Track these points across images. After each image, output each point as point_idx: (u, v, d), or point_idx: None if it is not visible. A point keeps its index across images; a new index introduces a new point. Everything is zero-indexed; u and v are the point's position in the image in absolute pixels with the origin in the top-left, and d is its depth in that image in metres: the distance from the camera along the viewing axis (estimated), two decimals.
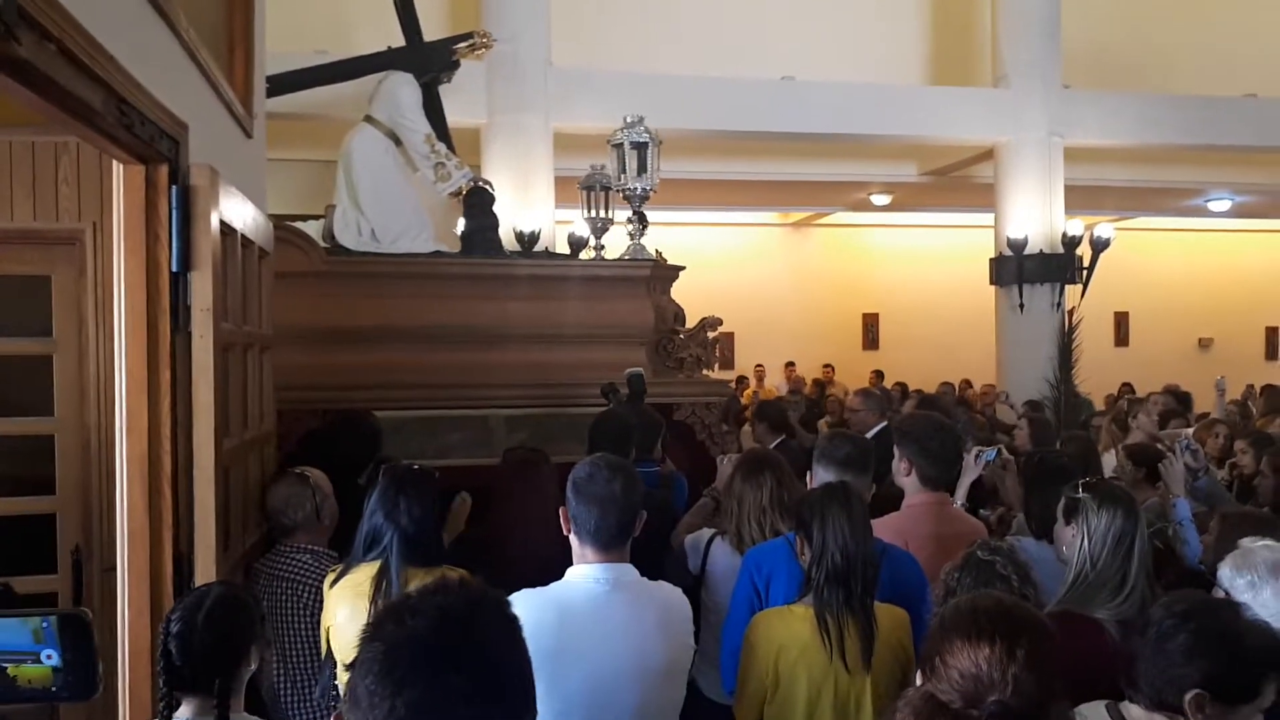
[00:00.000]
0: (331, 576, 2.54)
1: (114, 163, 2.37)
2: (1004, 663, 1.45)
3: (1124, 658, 2.00)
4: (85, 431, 3.38)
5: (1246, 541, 2.33)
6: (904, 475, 3.10)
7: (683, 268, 5.29)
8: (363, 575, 2.45)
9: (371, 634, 1.11)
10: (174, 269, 2.42)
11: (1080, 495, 2.52)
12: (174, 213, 2.41)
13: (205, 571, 2.43)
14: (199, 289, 2.46)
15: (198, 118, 2.58)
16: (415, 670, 1.06)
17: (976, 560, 2.37)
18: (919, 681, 1.57)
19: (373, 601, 2.37)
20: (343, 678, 2.43)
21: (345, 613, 2.43)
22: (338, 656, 2.44)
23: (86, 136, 2.11)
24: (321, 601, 2.58)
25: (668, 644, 2.18)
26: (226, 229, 2.70)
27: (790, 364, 14.14)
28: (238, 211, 2.85)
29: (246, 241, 3.02)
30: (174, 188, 2.41)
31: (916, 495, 3.08)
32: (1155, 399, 7.98)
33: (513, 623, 1.16)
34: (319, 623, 2.58)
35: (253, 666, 1.96)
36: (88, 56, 1.77)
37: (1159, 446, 4.49)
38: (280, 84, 5.18)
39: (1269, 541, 2.34)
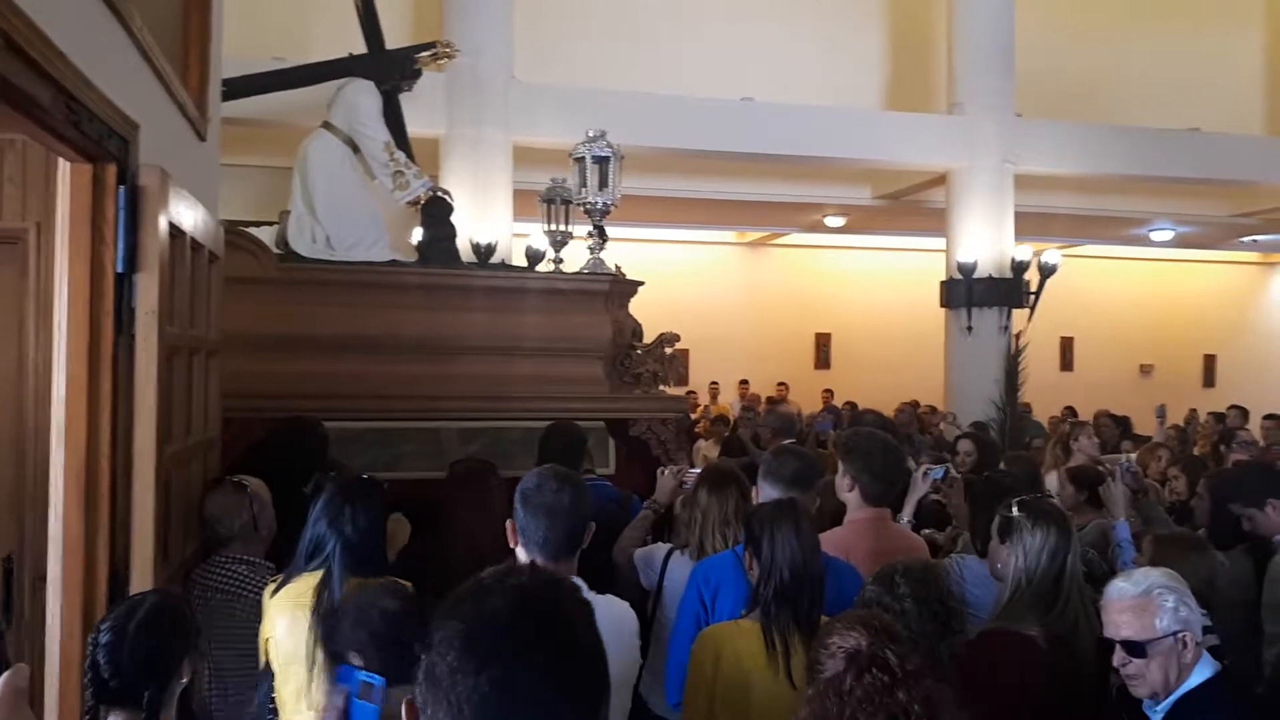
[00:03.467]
0: (272, 586, 2.49)
1: (60, 161, 2.32)
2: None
3: (1057, 673, 2.05)
4: (21, 436, 3.29)
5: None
6: (847, 491, 3.13)
7: (641, 283, 5.29)
8: (304, 585, 2.40)
9: (450, 612, 1.09)
10: (119, 270, 2.37)
11: (1015, 514, 2.57)
12: (121, 213, 2.36)
13: (142, 581, 2.37)
14: (145, 291, 2.42)
15: (149, 118, 2.54)
16: (500, 647, 1.04)
17: (874, 599, 2.37)
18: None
19: (314, 612, 2.33)
20: (281, 690, 2.39)
21: (285, 624, 2.39)
22: (275, 668, 2.39)
23: (33, 134, 2.07)
24: (258, 614, 2.53)
25: (614, 658, 2.15)
26: (175, 231, 2.66)
27: (744, 382, 14.22)
28: (188, 214, 2.80)
29: (196, 245, 2.98)
30: (122, 188, 2.36)
31: (859, 511, 3.12)
32: (1104, 421, 8.18)
33: (589, 606, 1.15)
34: (254, 635, 2.53)
35: (184, 680, 1.89)
36: (36, 51, 1.74)
37: (1100, 469, 4.58)
38: (238, 88, 5.11)
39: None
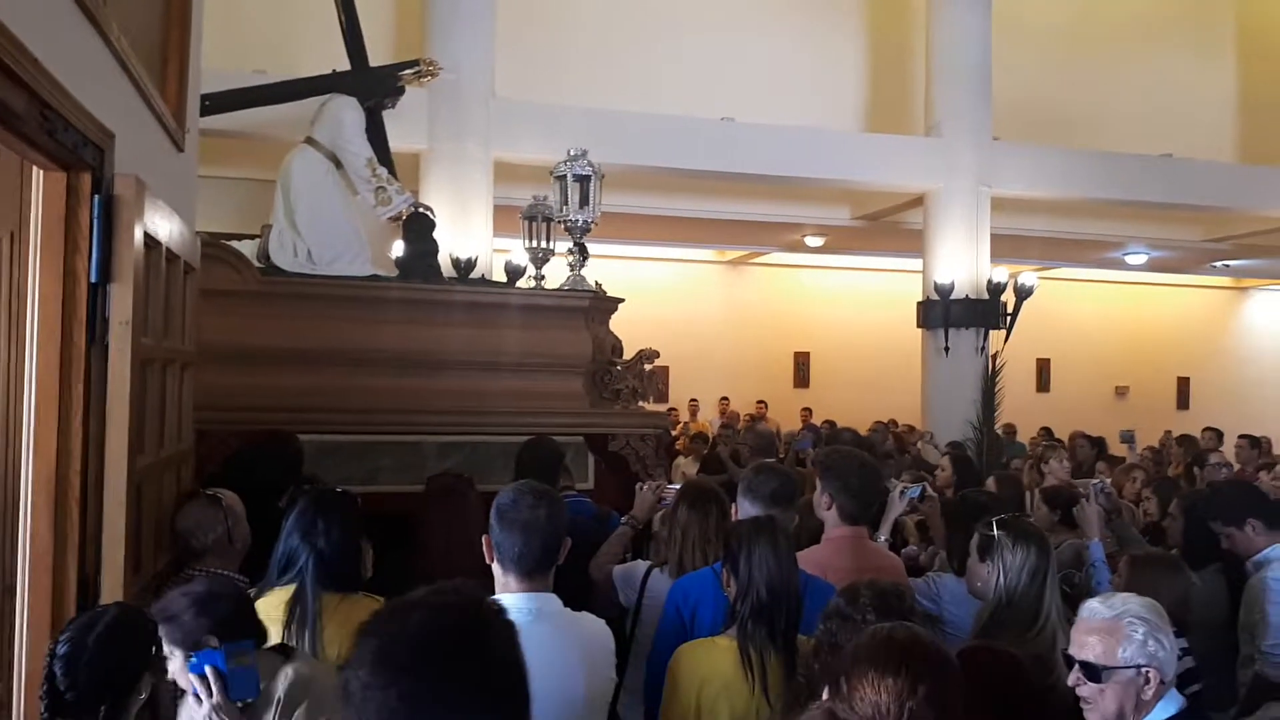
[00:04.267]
0: None
1: (35, 169, 2.30)
2: (903, 696, 1.49)
3: (1035, 690, 2.04)
4: None
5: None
6: (825, 509, 3.14)
7: (622, 300, 5.30)
8: (276, 599, 2.38)
9: (367, 630, 1.09)
10: (93, 280, 2.35)
11: (995, 532, 2.58)
12: (95, 222, 2.34)
13: (112, 594, 2.33)
14: (118, 301, 2.39)
15: (126, 127, 2.52)
16: (410, 664, 1.04)
17: (836, 610, 2.33)
18: (824, 696, 1.60)
19: (286, 626, 2.30)
20: None
21: None
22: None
23: (6, 141, 2.05)
24: None
25: (590, 676, 2.16)
26: (151, 241, 2.64)
27: (724, 399, 14.25)
28: (163, 224, 2.78)
29: (172, 256, 2.95)
30: (96, 197, 2.34)
31: (836, 529, 3.12)
32: (1080, 442, 8.24)
33: (511, 627, 1.14)
34: None
35: (143, 695, 1.84)
36: (10, 58, 1.72)
37: (1075, 490, 4.62)
38: (222, 102, 5.11)
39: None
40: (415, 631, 1.07)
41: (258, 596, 2.42)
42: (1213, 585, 3.65)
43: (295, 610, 2.33)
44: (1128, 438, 8.12)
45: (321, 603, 2.33)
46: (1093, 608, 2.14)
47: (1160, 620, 2.10)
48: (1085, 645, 2.09)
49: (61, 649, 1.77)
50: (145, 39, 2.96)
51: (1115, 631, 2.06)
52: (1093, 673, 2.06)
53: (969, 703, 2.11)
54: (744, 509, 3.00)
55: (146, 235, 2.55)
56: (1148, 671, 2.05)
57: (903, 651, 1.57)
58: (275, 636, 2.31)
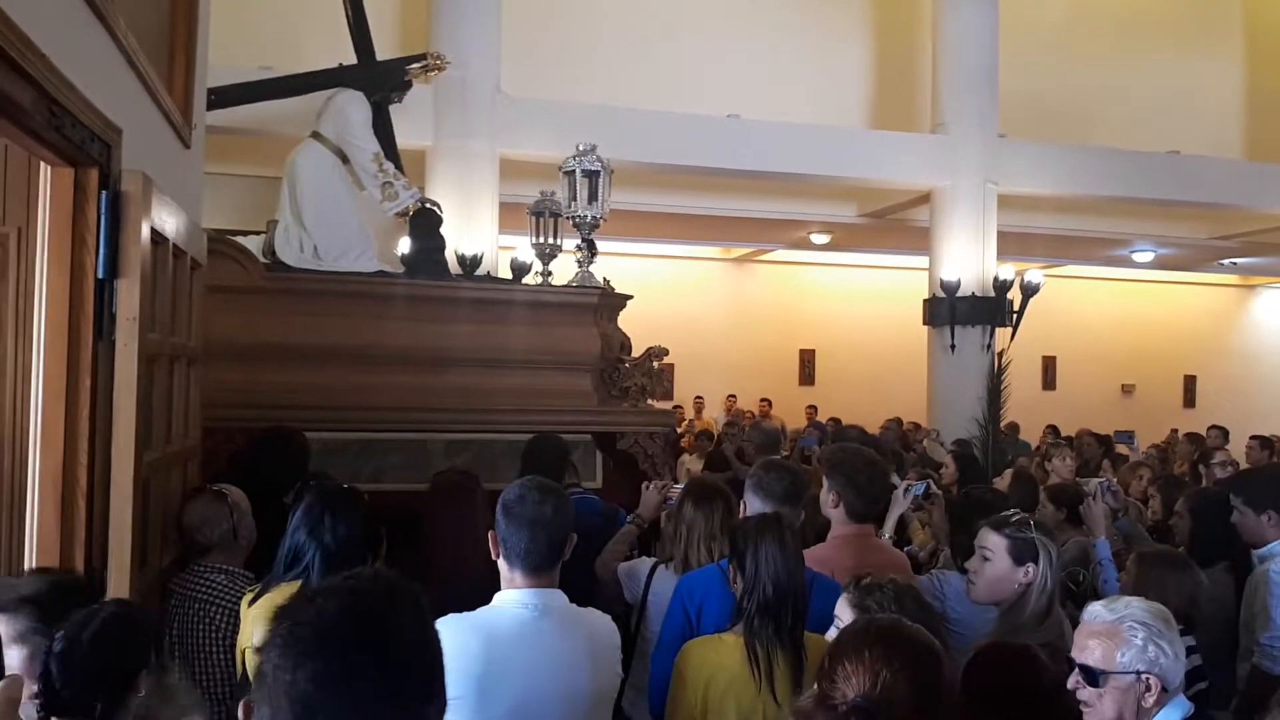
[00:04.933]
0: (250, 596, 2.46)
1: (42, 165, 2.30)
2: (876, 666, 1.51)
3: (1058, 678, 2.04)
4: None
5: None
6: (831, 507, 3.13)
7: (630, 297, 5.29)
8: (282, 595, 2.37)
9: (280, 614, 1.11)
10: (100, 276, 2.35)
11: (1035, 535, 2.57)
12: (103, 218, 2.34)
13: (118, 590, 2.34)
14: (125, 297, 2.40)
15: (133, 123, 2.53)
16: (318, 645, 1.06)
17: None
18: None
19: None
20: None
21: (262, 633, 2.35)
22: (253, 678, 2.36)
23: (13, 137, 2.05)
24: (235, 624, 2.49)
25: (595, 672, 2.16)
26: (158, 237, 2.64)
27: (731, 396, 14.24)
28: (170, 220, 2.78)
29: (178, 252, 2.96)
30: (104, 193, 2.34)
31: (842, 527, 3.11)
32: (1087, 440, 8.22)
33: (423, 610, 1.15)
34: (232, 645, 2.50)
35: (141, 693, 1.82)
36: (18, 53, 1.72)
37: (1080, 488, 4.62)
38: (228, 97, 5.10)
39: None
40: (325, 614, 1.08)
41: (264, 592, 2.43)
42: (1221, 583, 3.63)
43: None
44: (1125, 438, 8.01)
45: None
46: (1095, 611, 2.11)
47: (1165, 626, 2.06)
48: (1085, 648, 2.06)
49: (57, 646, 1.74)
50: (152, 35, 2.96)
51: (1115, 635, 2.03)
52: (1091, 677, 2.03)
53: (995, 697, 2.12)
54: (752, 505, 3.00)
55: (153, 231, 2.56)
56: (1148, 678, 2.00)
57: (881, 631, 1.61)
58: None
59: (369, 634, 1.08)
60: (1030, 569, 2.52)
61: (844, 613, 2.18)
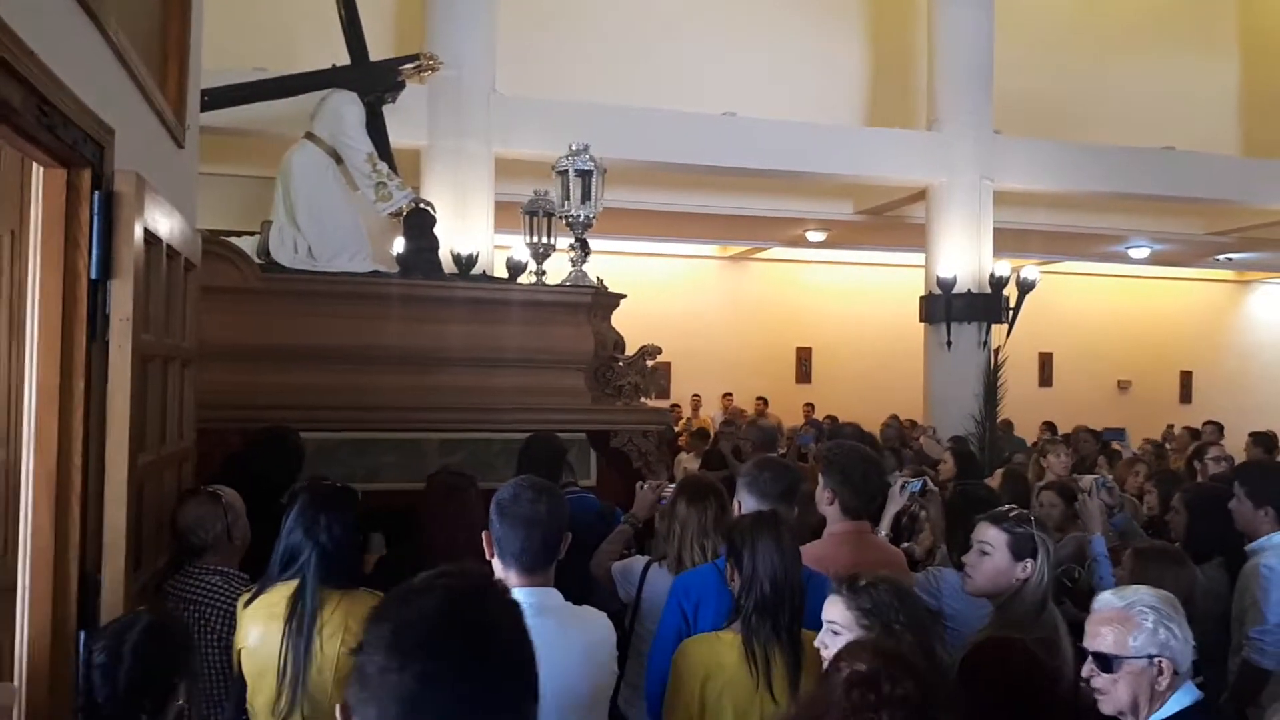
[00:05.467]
0: (246, 596, 2.45)
1: (34, 165, 2.29)
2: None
3: (1051, 671, 2.05)
4: None
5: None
6: (827, 504, 3.13)
7: (624, 295, 5.29)
8: (278, 596, 2.37)
9: (378, 616, 1.12)
10: (93, 277, 2.34)
11: (1033, 530, 2.57)
12: (95, 219, 2.33)
13: (113, 592, 2.33)
14: (119, 298, 2.39)
15: (126, 123, 2.52)
16: (424, 644, 1.06)
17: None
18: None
19: (287, 623, 2.30)
20: (253, 701, 2.36)
21: (258, 634, 2.35)
22: (248, 679, 2.36)
23: (5, 137, 2.04)
24: (231, 624, 2.49)
25: (591, 671, 2.16)
26: (151, 238, 2.63)
27: (728, 394, 14.24)
28: (164, 221, 2.77)
29: (172, 252, 2.95)
30: (96, 193, 2.33)
31: (838, 524, 3.11)
32: (1083, 437, 8.21)
33: (517, 606, 1.17)
34: (228, 646, 2.50)
35: (180, 701, 1.83)
36: (7, 52, 1.72)
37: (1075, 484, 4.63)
38: (222, 97, 5.10)
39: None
40: (429, 613, 1.10)
41: (259, 593, 2.42)
42: (1215, 579, 3.64)
43: (297, 606, 2.33)
44: (1116, 435, 7.94)
45: (323, 596, 2.33)
46: (1105, 599, 2.16)
47: (1173, 610, 2.11)
48: (1098, 636, 2.10)
49: (99, 658, 1.74)
50: (146, 35, 2.95)
51: (1126, 621, 2.07)
52: (1105, 663, 2.06)
53: (990, 691, 2.12)
54: (745, 504, 2.99)
55: (147, 232, 2.55)
56: (1160, 661, 2.05)
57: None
58: (276, 632, 2.30)
59: (472, 632, 1.09)
60: (1029, 564, 2.52)
61: (835, 613, 2.18)
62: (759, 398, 13.91)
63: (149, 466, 2.71)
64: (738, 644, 2.38)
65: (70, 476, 2.29)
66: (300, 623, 2.30)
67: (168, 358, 2.98)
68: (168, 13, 3.28)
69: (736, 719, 2.35)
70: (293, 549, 2.39)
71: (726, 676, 2.36)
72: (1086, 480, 4.10)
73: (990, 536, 2.63)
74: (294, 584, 2.36)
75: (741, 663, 2.35)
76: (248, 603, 2.43)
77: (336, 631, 2.31)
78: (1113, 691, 2.06)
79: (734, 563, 2.49)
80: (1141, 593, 2.14)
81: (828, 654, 2.06)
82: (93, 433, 2.33)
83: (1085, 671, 2.10)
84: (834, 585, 2.20)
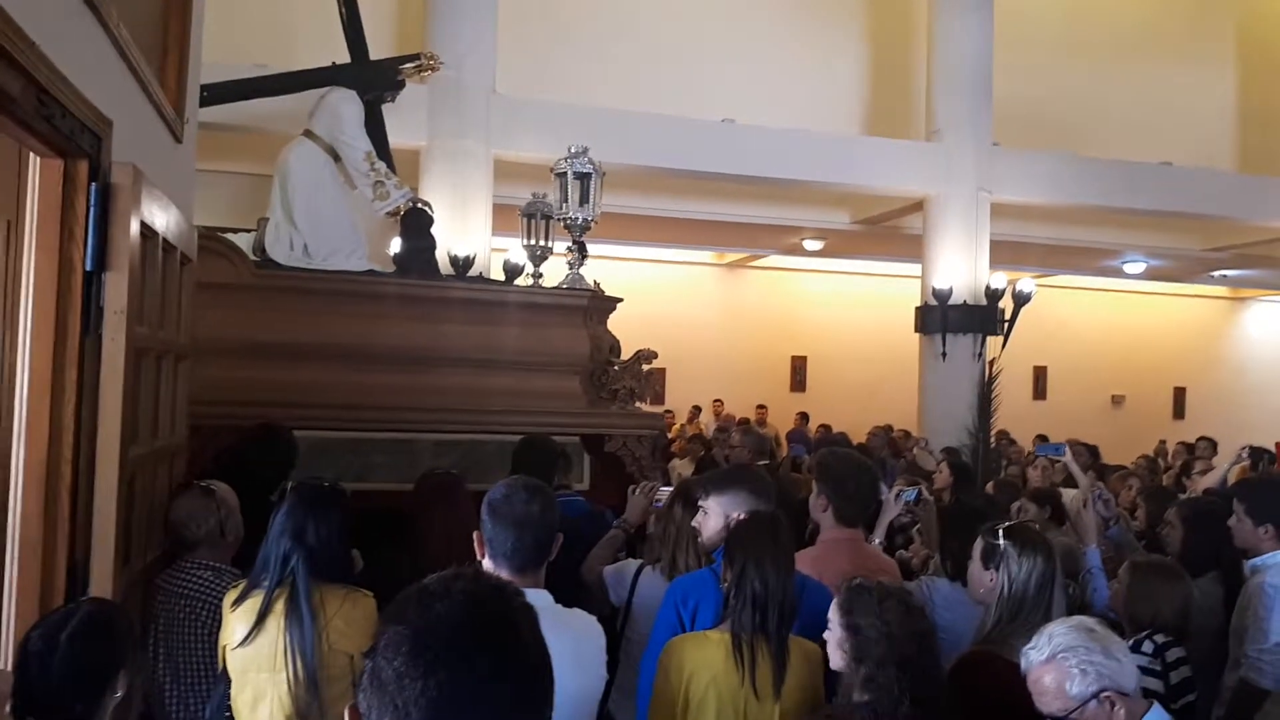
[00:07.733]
0: (233, 595, 2.43)
1: (31, 155, 2.28)
2: None
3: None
4: None
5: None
6: (821, 511, 3.12)
7: (620, 299, 5.29)
8: (264, 595, 2.35)
9: (395, 617, 1.09)
10: (88, 268, 2.33)
11: (1000, 541, 2.55)
12: (92, 210, 2.32)
13: (101, 585, 2.32)
14: (113, 290, 2.38)
15: (124, 116, 2.51)
16: (448, 651, 1.04)
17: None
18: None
19: (257, 624, 2.28)
20: (237, 698, 2.34)
21: (243, 632, 2.34)
22: (232, 675, 2.34)
23: (2, 126, 2.03)
24: (219, 620, 2.47)
25: (580, 673, 2.14)
26: (147, 231, 2.62)
27: (718, 401, 14.21)
28: (160, 215, 2.76)
29: (168, 246, 2.93)
30: (93, 185, 2.33)
31: (832, 531, 3.11)
32: (1077, 450, 8.20)
33: (532, 611, 1.15)
34: (216, 642, 2.48)
35: (119, 694, 1.77)
36: (7, 41, 1.71)
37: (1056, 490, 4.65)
38: (220, 93, 5.08)
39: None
40: (452, 620, 1.08)
41: (246, 593, 2.40)
42: (1210, 593, 3.63)
43: (290, 605, 2.31)
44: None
45: (323, 595, 2.32)
46: (1027, 659, 2.08)
47: (1088, 637, 2.03)
48: (1042, 698, 2.03)
49: (34, 646, 1.70)
50: (146, 29, 2.94)
51: (1056, 671, 2.01)
52: None
53: (971, 706, 2.11)
54: (712, 509, 2.90)
55: (143, 225, 2.54)
56: (1107, 696, 1.98)
57: None
58: (275, 631, 2.29)
59: (495, 638, 1.07)
60: (994, 574, 2.52)
61: (838, 617, 2.18)
62: (760, 405, 13.89)
63: (140, 460, 2.69)
64: (725, 642, 2.37)
65: (60, 467, 2.28)
66: (294, 621, 2.28)
67: (161, 352, 2.97)
68: (168, 7, 3.27)
69: (719, 716, 2.34)
70: (280, 548, 2.37)
71: (712, 674, 2.36)
72: (1072, 494, 4.10)
73: (974, 543, 2.65)
74: (285, 583, 2.35)
75: (728, 660, 2.35)
76: (235, 603, 2.41)
77: (324, 630, 2.30)
78: None
79: (728, 560, 2.49)
80: (1056, 636, 2.05)
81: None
82: (84, 424, 2.32)
83: None
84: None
